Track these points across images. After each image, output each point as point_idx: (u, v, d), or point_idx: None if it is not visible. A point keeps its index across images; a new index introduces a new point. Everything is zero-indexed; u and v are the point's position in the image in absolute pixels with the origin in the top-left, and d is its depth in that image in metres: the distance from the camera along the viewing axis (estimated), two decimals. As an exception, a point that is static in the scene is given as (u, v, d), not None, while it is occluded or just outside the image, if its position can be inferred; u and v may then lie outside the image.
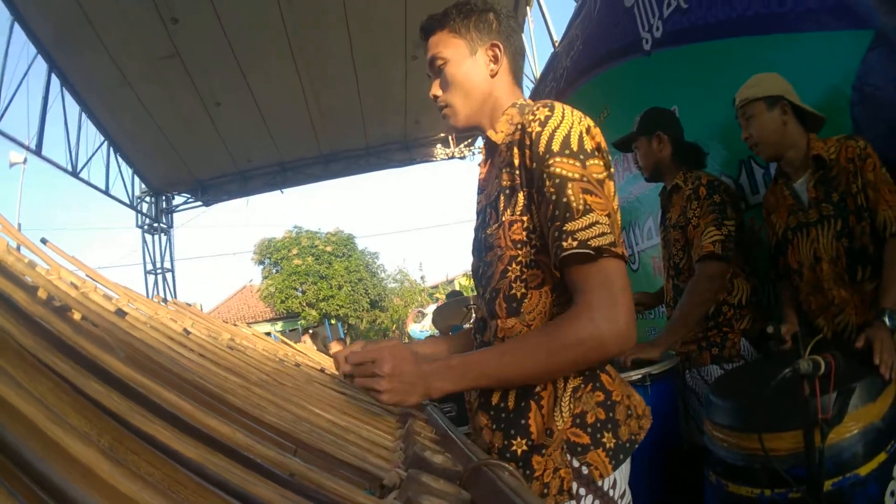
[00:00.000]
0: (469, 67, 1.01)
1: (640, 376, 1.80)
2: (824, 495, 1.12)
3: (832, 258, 1.55)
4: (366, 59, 5.81)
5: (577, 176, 0.83)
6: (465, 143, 8.39)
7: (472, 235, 1.09)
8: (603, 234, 0.80)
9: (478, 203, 1.07)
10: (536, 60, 5.89)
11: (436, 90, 1.04)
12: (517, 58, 1.05)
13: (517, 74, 1.06)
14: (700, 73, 2.43)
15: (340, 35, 5.39)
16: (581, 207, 0.81)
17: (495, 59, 1.01)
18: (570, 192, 0.82)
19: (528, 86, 5.80)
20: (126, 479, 0.30)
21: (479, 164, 1.14)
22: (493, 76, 1.02)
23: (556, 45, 4.65)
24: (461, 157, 8.58)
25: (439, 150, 8.46)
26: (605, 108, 3.46)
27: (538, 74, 5.47)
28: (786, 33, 1.89)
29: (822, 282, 1.58)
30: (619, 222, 0.91)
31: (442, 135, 8.28)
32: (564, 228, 0.81)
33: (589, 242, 0.79)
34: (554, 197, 0.83)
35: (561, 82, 4.26)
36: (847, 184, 1.51)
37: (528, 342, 0.83)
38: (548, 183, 0.84)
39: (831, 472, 1.14)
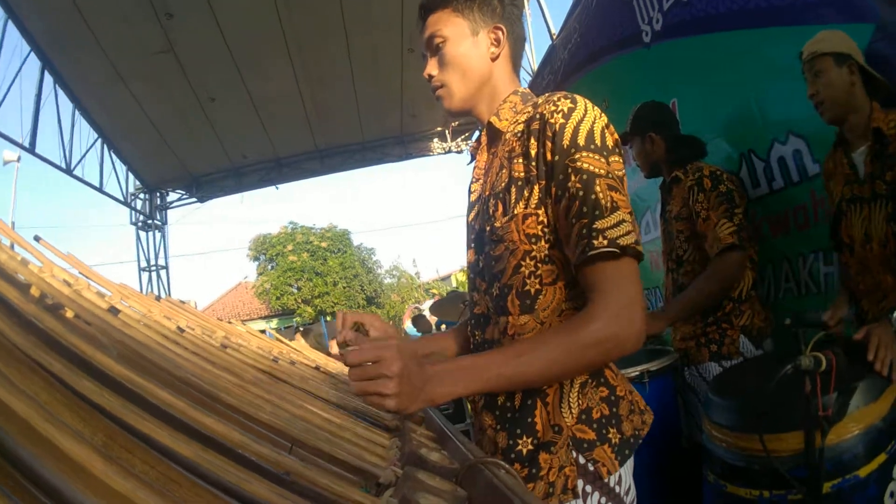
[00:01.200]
0: (469, 48, 0.98)
1: (638, 373, 1.79)
2: (824, 497, 1.11)
3: (881, 240, 1.49)
4: (362, 52, 5.77)
5: (602, 172, 0.81)
6: (462, 137, 8.35)
7: (464, 230, 1.05)
8: (629, 232, 0.79)
9: (471, 192, 1.04)
10: (534, 53, 5.87)
11: (431, 69, 1.01)
12: (518, 45, 1.03)
13: (516, 63, 1.04)
14: (701, 66, 2.41)
15: (336, 28, 5.35)
16: (609, 205, 0.80)
17: (497, 43, 0.99)
18: (598, 188, 0.80)
19: (525, 78, 5.78)
20: (120, 477, 0.29)
21: (471, 149, 1.10)
22: (493, 60, 0.99)
23: (554, 37, 4.63)
24: (458, 152, 8.53)
25: (436, 144, 8.42)
26: (605, 101, 3.45)
27: (535, 67, 5.45)
28: (787, 26, 1.88)
29: (871, 262, 1.52)
30: None
31: (439, 129, 8.25)
32: (594, 226, 0.79)
33: (618, 241, 0.78)
34: (581, 193, 0.81)
35: (559, 75, 4.24)
36: None
37: (547, 342, 0.80)
38: (574, 178, 0.82)
39: (831, 474, 1.12)
